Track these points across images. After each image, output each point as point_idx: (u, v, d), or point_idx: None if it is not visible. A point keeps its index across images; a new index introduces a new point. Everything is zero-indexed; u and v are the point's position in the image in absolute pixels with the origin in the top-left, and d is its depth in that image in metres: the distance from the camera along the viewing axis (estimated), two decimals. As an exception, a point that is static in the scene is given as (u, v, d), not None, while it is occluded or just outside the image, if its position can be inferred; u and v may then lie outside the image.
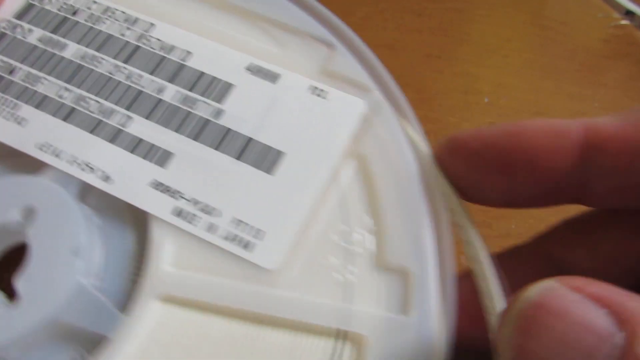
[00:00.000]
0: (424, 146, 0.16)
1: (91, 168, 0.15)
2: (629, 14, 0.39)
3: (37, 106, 0.16)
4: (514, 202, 0.14)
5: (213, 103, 0.16)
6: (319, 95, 0.16)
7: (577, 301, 0.11)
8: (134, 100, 0.16)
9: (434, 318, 0.14)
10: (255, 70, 0.17)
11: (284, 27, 0.17)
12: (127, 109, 0.16)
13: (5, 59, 0.17)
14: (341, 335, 0.14)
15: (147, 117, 0.16)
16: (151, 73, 0.17)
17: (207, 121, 0.16)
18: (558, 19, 0.38)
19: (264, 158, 0.16)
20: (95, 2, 0.18)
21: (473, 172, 0.14)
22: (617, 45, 0.36)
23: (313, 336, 0.14)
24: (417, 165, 0.15)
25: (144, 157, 0.16)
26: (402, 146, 0.16)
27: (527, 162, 0.13)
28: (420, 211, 0.15)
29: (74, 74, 0.17)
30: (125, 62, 0.17)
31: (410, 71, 0.33)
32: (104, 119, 0.16)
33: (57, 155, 0.16)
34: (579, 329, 0.11)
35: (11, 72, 0.17)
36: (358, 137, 0.16)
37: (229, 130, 0.16)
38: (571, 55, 0.35)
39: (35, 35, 0.18)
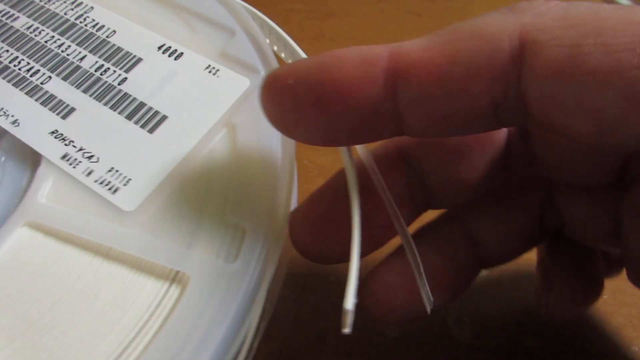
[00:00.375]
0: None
1: (6, 114, 0.18)
2: (628, 14, 0.39)
3: None
4: (337, 139, 0.13)
5: (121, 72, 0.19)
6: (211, 72, 0.19)
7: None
8: (58, 65, 0.20)
9: (254, 267, 0.15)
10: (164, 49, 0.20)
11: (197, 15, 0.20)
12: (50, 70, 0.19)
13: None
14: (172, 276, 0.15)
15: (64, 79, 0.19)
16: (78, 45, 0.20)
17: (111, 86, 0.19)
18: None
19: (150, 120, 0.18)
20: None
21: (290, 110, 0.13)
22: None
23: (151, 275, 0.15)
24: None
25: (51, 110, 0.18)
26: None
27: (338, 95, 0.12)
28: (273, 175, 0.17)
29: (16, 40, 0.20)
30: (61, 34, 0.20)
31: (410, 71, 0.33)
32: (27, 76, 0.19)
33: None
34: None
35: None
36: (235, 109, 0.18)
37: (126, 94, 0.19)
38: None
39: None
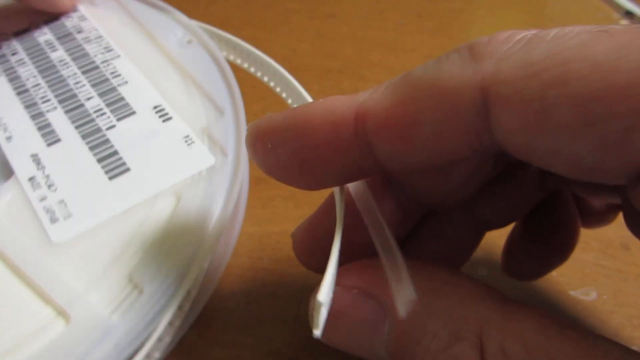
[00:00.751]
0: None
1: (5, 129, 0.21)
2: (628, 14, 0.39)
3: (9, 79, 0.22)
4: (325, 185, 0.14)
5: (113, 119, 0.21)
6: (187, 142, 0.20)
7: (351, 298, 0.13)
8: (67, 99, 0.22)
9: (136, 327, 0.16)
10: (158, 109, 0.21)
11: (200, 87, 0.22)
12: (59, 102, 0.22)
13: (19, 45, 0.24)
14: (58, 312, 0.16)
15: (65, 112, 0.21)
16: (92, 86, 0.22)
17: (99, 129, 0.21)
18: (558, 19, 0.38)
19: (115, 169, 0.19)
20: (95, 29, 0.24)
21: (276, 168, 0.14)
22: (616, 46, 0.36)
23: (39, 301, 0.16)
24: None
25: (42, 136, 0.20)
26: (213, 200, 0.19)
27: (316, 159, 0.13)
28: (193, 250, 0.18)
29: (47, 69, 0.23)
30: (83, 74, 0.23)
31: (410, 71, 0.33)
32: (39, 103, 0.21)
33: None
34: (356, 325, 0.13)
35: (14, 54, 0.24)
36: (190, 182, 0.19)
37: (107, 140, 0.20)
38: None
39: (45, 37, 0.24)
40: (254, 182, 0.25)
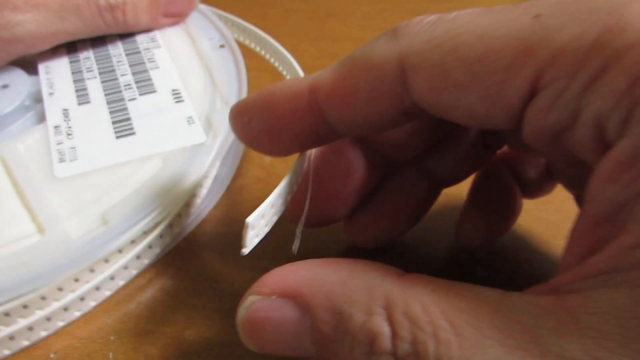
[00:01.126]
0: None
1: (51, 86, 0.25)
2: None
3: (67, 51, 0.27)
4: (291, 152, 0.17)
5: (136, 94, 0.25)
6: (188, 122, 0.24)
7: (267, 306, 0.14)
8: (106, 72, 0.26)
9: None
10: (175, 93, 0.25)
11: (216, 83, 0.26)
12: (100, 73, 0.26)
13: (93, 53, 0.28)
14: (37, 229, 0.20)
15: (102, 82, 0.26)
16: (130, 66, 0.27)
17: (122, 98, 0.25)
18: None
19: (123, 131, 0.23)
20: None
21: (251, 138, 0.17)
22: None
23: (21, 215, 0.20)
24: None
25: (77, 96, 0.25)
26: (193, 169, 0.22)
27: (281, 126, 0.16)
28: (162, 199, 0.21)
29: (99, 46, 0.28)
30: (126, 55, 0.27)
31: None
32: (84, 70, 0.26)
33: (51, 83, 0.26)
34: (280, 327, 0.14)
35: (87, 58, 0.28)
36: (178, 152, 0.22)
37: (126, 108, 0.24)
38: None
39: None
40: (253, 182, 0.25)
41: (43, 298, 0.18)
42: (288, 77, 0.25)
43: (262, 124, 0.16)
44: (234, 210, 0.23)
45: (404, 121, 0.15)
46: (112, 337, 0.19)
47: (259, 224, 0.16)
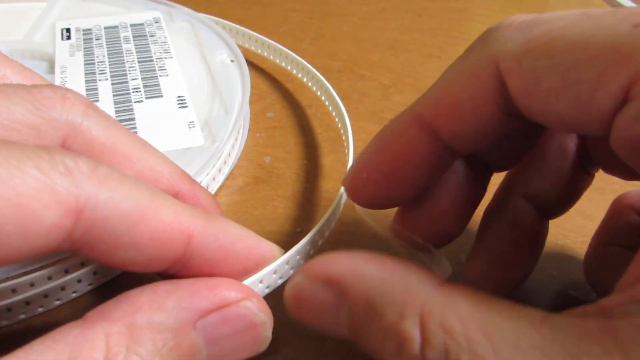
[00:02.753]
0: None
1: (64, 82, 0.27)
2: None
3: (84, 54, 0.29)
4: (409, 196, 0.17)
5: (143, 97, 0.26)
6: (189, 126, 0.25)
7: (311, 288, 0.15)
8: (118, 75, 0.28)
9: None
10: (179, 99, 0.26)
11: (220, 94, 0.27)
12: (112, 76, 0.27)
13: (104, 35, 0.31)
14: None
15: (112, 83, 0.27)
16: (141, 71, 0.28)
17: (129, 100, 0.26)
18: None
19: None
20: (165, 36, 0.31)
21: (372, 191, 0.17)
22: (617, 45, 0.36)
23: None
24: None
25: (86, 94, 0.26)
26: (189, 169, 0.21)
27: (400, 165, 0.16)
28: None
29: (115, 53, 0.29)
30: (139, 62, 0.29)
31: (410, 71, 0.33)
32: (97, 72, 0.28)
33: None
34: (319, 308, 0.15)
35: (97, 39, 0.31)
36: (176, 153, 0.23)
37: (131, 108, 0.25)
38: (571, 55, 0.35)
39: (126, 33, 0.31)
40: (253, 182, 0.25)
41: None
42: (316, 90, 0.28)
43: (380, 171, 0.16)
44: (234, 211, 0.23)
45: (511, 125, 0.15)
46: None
47: (270, 277, 0.16)
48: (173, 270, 0.14)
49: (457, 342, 0.12)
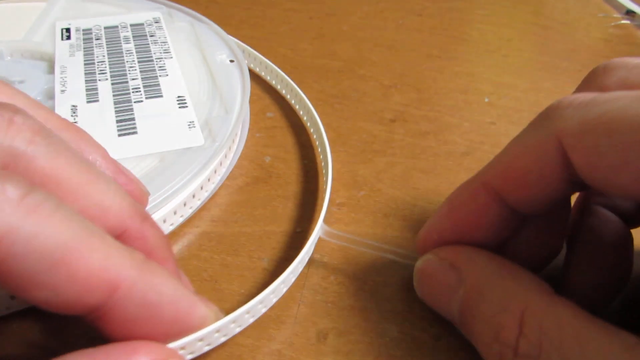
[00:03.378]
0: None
1: (64, 84, 0.27)
2: (629, 13, 0.39)
3: (84, 54, 0.29)
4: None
5: (143, 97, 0.26)
6: (189, 126, 0.25)
7: (439, 266, 0.18)
8: (118, 75, 0.28)
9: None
10: (179, 99, 0.26)
11: (220, 94, 0.27)
12: (111, 76, 0.28)
13: (104, 35, 0.31)
14: None
15: (112, 83, 0.27)
16: (141, 72, 0.28)
17: (129, 100, 0.26)
18: (558, 19, 0.38)
19: (126, 130, 0.24)
20: (165, 36, 0.31)
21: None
22: (617, 45, 0.36)
23: None
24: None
25: (87, 95, 0.26)
26: (187, 169, 0.23)
27: (468, 229, 0.18)
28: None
29: (115, 53, 0.29)
30: (139, 62, 0.29)
31: (410, 71, 0.33)
32: (97, 72, 0.28)
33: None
34: (440, 285, 0.18)
35: (97, 39, 0.31)
36: (174, 153, 0.23)
37: (131, 108, 0.25)
38: (571, 54, 0.35)
39: (126, 33, 0.31)
40: (253, 182, 0.25)
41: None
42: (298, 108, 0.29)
43: (451, 232, 0.18)
44: (234, 211, 0.23)
45: (576, 190, 0.17)
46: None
47: (212, 336, 0.16)
48: (93, 316, 0.14)
49: (551, 341, 0.14)
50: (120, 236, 0.15)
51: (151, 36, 0.31)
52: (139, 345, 0.14)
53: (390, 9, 0.39)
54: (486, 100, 0.31)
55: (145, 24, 0.32)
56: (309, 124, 0.28)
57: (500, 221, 0.17)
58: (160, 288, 0.14)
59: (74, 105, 0.25)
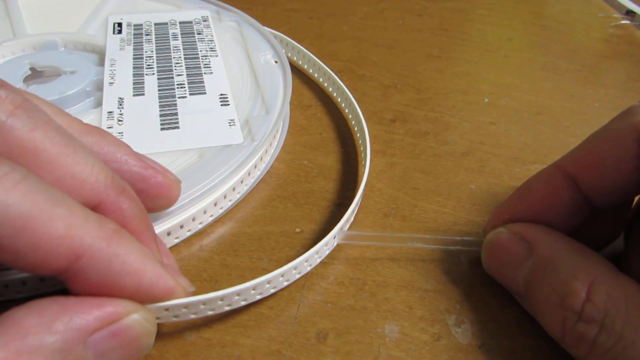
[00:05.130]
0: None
1: (112, 77, 0.28)
2: (629, 13, 0.39)
3: (134, 48, 0.30)
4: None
5: (187, 93, 0.27)
6: (229, 124, 0.25)
7: (510, 238, 0.19)
8: (165, 70, 0.28)
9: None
10: (222, 97, 0.27)
11: (261, 93, 0.28)
12: (158, 71, 0.28)
13: (154, 31, 0.32)
14: None
15: (158, 78, 0.28)
16: (186, 68, 0.29)
17: (174, 95, 0.27)
18: (558, 19, 0.38)
19: (168, 124, 0.25)
20: (212, 35, 0.32)
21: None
22: (617, 45, 0.36)
23: None
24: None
25: (134, 88, 0.27)
26: (227, 166, 0.23)
27: (541, 210, 0.19)
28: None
29: (163, 49, 0.30)
30: (185, 59, 0.30)
31: (410, 71, 0.33)
32: (144, 66, 0.29)
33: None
34: (510, 253, 0.19)
35: (147, 34, 0.31)
36: (214, 149, 0.24)
37: (175, 104, 0.26)
38: (571, 55, 0.35)
39: (174, 30, 0.32)
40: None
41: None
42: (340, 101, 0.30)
43: (523, 213, 0.19)
44: (234, 211, 0.23)
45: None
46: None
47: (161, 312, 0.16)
48: (62, 277, 0.14)
49: (617, 308, 0.15)
50: (97, 207, 0.16)
51: (198, 34, 0.31)
52: (108, 299, 0.14)
53: (390, 9, 0.38)
54: (486, 100, 0.31)
55: (193, 22, 0.32)
56: (335, 94, 0.29)
57: (572, 207, 0.18)
58: (125, 258, 0.14)
59: (120, 98, 0.26)
